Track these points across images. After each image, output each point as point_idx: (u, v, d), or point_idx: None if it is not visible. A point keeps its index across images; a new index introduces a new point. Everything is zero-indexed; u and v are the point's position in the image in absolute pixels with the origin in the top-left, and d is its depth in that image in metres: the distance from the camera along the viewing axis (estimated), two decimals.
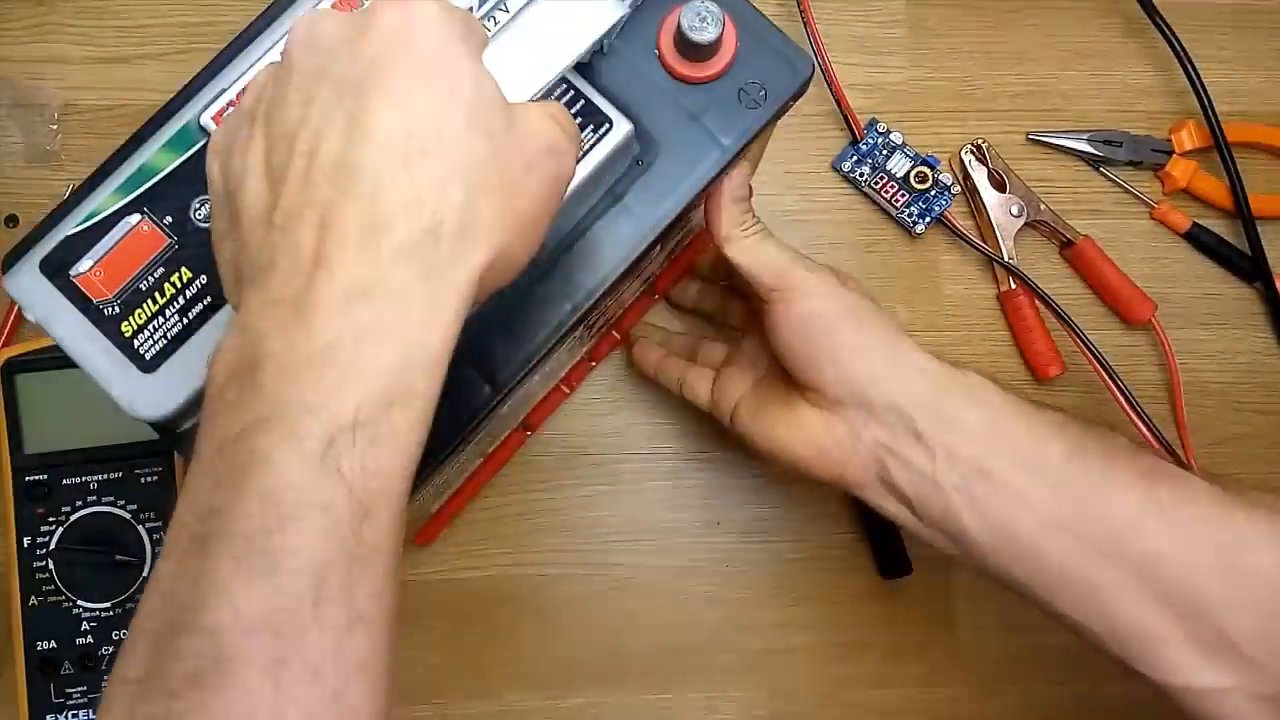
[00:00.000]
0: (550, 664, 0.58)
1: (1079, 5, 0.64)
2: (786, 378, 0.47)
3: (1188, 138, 0.62)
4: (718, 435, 0.60)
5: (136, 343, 0.39)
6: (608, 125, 0.41)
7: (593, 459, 0.60)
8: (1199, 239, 0.62)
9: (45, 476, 0.53)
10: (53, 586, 0.53)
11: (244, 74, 0.40)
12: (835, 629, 0.60)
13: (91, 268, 0.40)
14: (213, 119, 0.40)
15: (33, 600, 0.53)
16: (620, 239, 0.42)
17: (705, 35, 0.41)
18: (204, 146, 0.40)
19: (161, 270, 0.40)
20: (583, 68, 0.41)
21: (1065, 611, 0.42)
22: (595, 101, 0.41)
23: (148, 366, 0.39)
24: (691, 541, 0.60)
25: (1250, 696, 0.39)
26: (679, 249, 0.57)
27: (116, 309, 0.39)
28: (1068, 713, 0.60)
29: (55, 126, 0.59)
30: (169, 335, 0.39)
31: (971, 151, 0.61)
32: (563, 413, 0.60)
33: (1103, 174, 0.63)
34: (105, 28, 0.60)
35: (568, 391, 0.59)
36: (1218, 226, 0.63)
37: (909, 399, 0.43)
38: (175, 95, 0.41)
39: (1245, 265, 0.62)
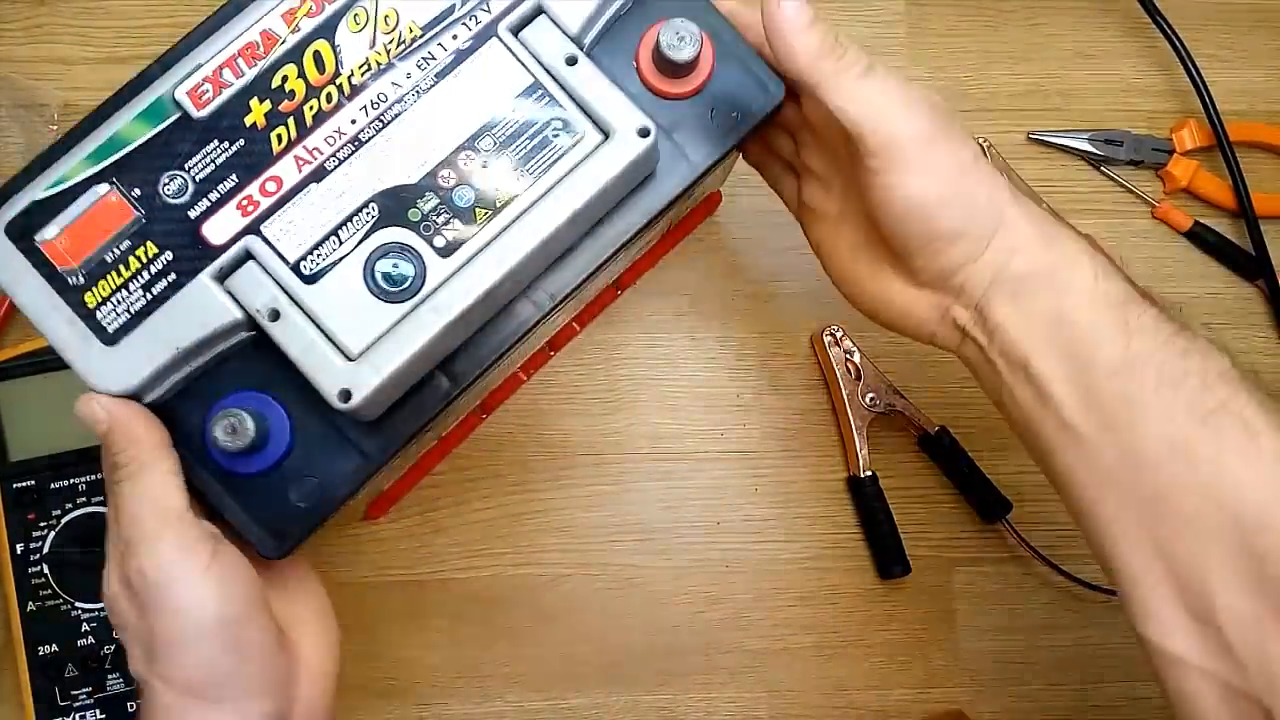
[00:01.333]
0: (550, 664, 0.56)
1: (1079, 5, 0.62)
2: (877, 234, 0.41)
3: (1189, 137, 0.60)
4: (717, 435, 0.58)
5: (99, 315, 0.38)
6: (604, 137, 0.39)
7: (593, 459, 0.58)
8: (1200, 238, 0.60)
9: (32, 482, 0.51)
10: (49, 590, 0.51)
11: (222, 50, 0.39)
12: (834, 629, 0.57)
13: (57, 235, 0.38)
14: (187, 94, 0.38)
15: (30, 606, 0.51)
16: (587, 248, 0.41)
17: (683, 54, 0.40)
18: (179, 120, 0.39)
19: (128, 243, 0.38)
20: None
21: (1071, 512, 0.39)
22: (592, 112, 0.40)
23: (110, 339, 0.38)
24: (691, 541, 0.58)
25: (1218, 683, 0.35)
26: (648, 246, 0.55)
27: (81, 279, 0.38)
28: (1067, 713, 0.58)
29: (55, 126, 0.57)
30: (132, 310, 0.38)
31: None
32: (563, 413, 0.58)
33: (1104, 173, 0.61)
34: (105, 28, 0.58)
35: (525, 378, 0.57)
36: (1219, 225, 0.61)
37: (987, 288, 0.39)
38: (151, 64, 0.39)
39: (1247, 264, 0.60)
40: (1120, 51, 0.62)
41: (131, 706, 0.51)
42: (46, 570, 0.51)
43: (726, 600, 0.57)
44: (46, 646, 0.51)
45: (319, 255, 0.38)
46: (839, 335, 0.58)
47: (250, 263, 0.38)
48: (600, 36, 0.42)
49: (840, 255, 0.44)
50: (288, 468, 0.40)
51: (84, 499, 0.51)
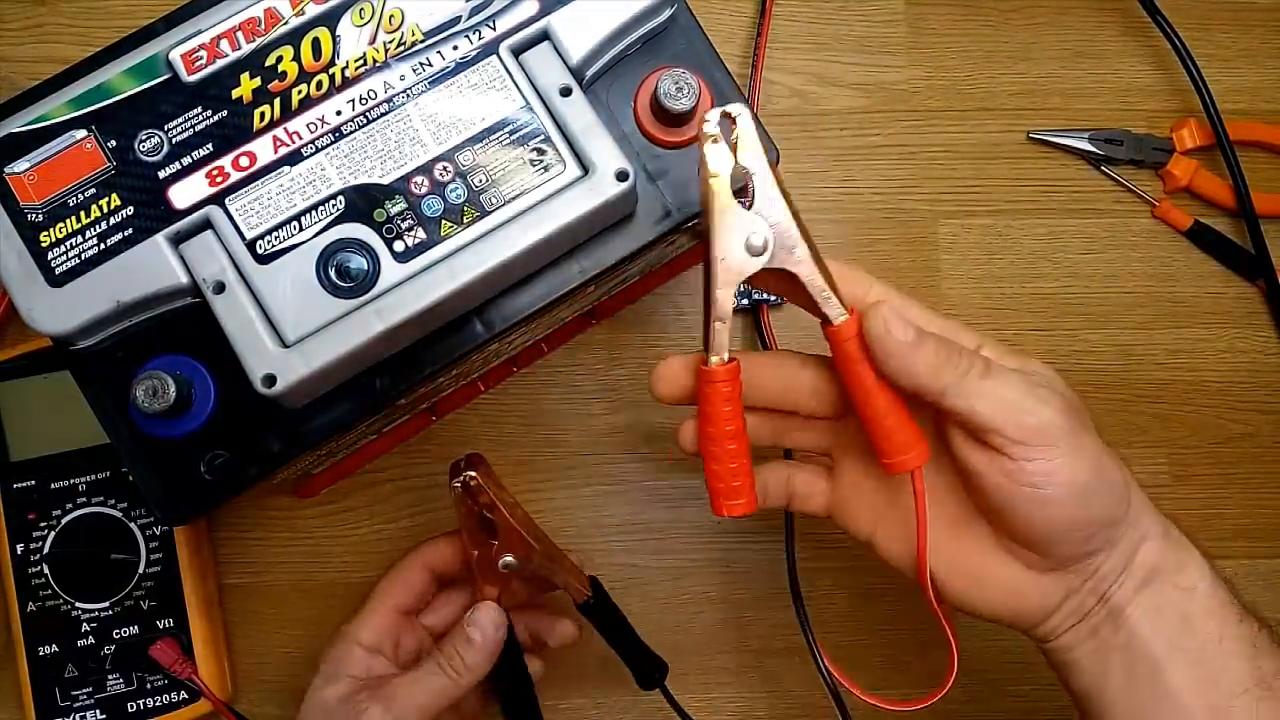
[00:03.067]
0: (550, 664, 0.56)
1: (1079, 4, 0.62)
2: (971, 521, 0.41)
3: (1189, 136, 0.60)
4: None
5: (50, 255, 0.38)
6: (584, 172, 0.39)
7: (593, 459, 0.57)
8: (1201, 237, 0.60)
9: (33, 482, 0.51)
10: (50, 591, 0.51)
11: (224, 20, 0.39)
12: (835, 629, 0.57)
13: (27, 171, 0.38)
14: (181, 57, 0.39)
15: (30, 606, 0.51)
16: (549, 278, 0.41)
17: (679, 104, 0.40)
18: (168, 81, 0.39)
19: (93, 191, 0.38)
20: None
21: None
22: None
23: (56, 281, 0.38)
24: (691, 541, 0.57)
25: None
26: (627, 283, 0.54)
27: (40, 217, 0.38)
28: (1067, 713, 0.58)
29: None
30: (83, 256, 0.38)
31: None
32: (563, 413, 0.57)
33: (1104, 173, 0.60)
34: (105, 28, 0.57)
35: (483, 389, 0.57)
36: (1219, 225, 0.60)
37: (1120, 576, 0.39)
38: (159, 19, 0.40)
39: (1247, 263, 0.59)
40: (1120, 51, 0.62)
41: (131, 707, 0.51)
42: (46, 570, 0.50)
43: (726, 600, 0.57)
44: (46, 646, 0.51)
45: (277, 237, 0.38)
46: (470, 481, 0.46)
47: (208, 232, 0.38)
48: (602, 72, 0.42)
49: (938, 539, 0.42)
50: (202, 439, 0.40)
51: (84, 499, 0.51)
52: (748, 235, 0.37)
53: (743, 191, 0.38)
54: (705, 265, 0.38)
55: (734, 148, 0.37)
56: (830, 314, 0.38)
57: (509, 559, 0.46)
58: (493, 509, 0.46)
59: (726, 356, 0.38)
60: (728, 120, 0.37)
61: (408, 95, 0.39)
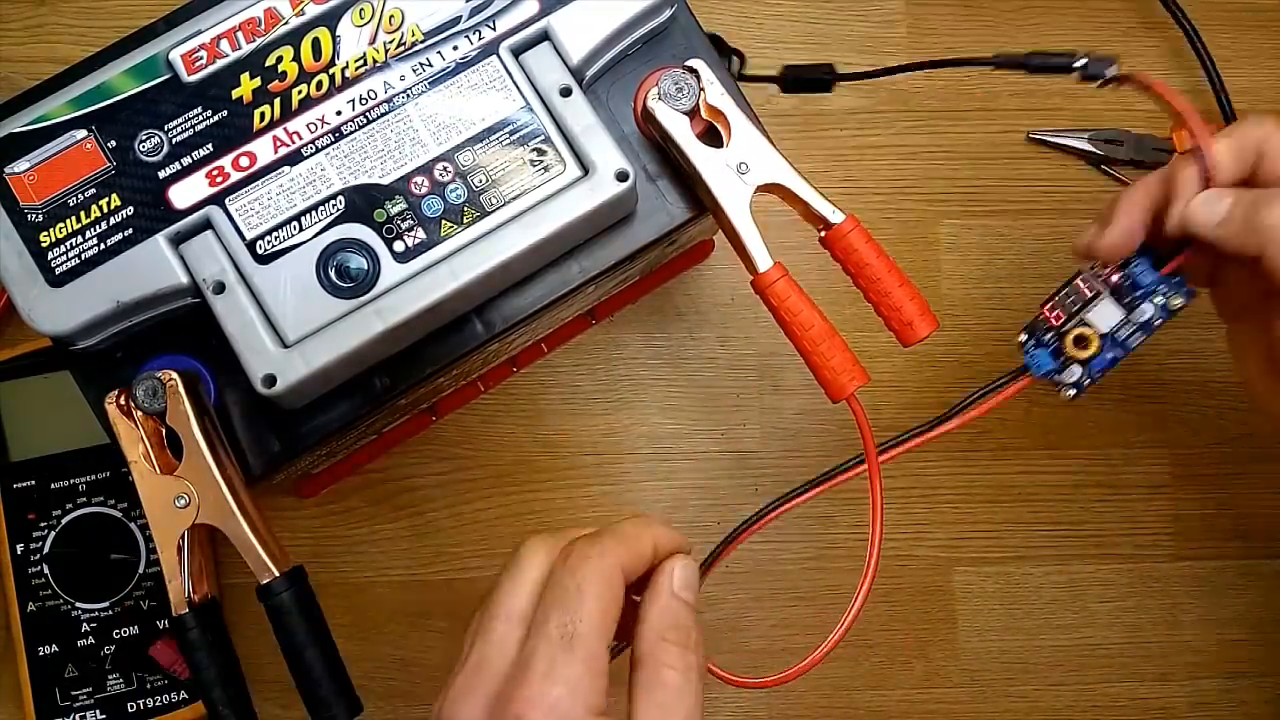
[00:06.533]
0: None
1: (1078, 5, 0.62)
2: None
3: (1189, 136, 0.60)
4: (717, 435, 0.58)
5: (50, 255, 0.38)
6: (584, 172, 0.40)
7: (593, 459, 0.57)
8: None
9: (33, 482, 0.51)
10: (50, 591, 0.51)
11: (224, 20, 0.39)
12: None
13: (27, 171, 0.39)
14: (181, 57, 0.39)
15: (30, 606, 0.51)
16: (549, 278, 0.41)
17: (679, 105, 0.40)
18: (168, 81, 0.39)
19: (93, 191, 0.39)
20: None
21: None
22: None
23: (56, 281, 0.38)
24: (691, 541, 0.57)
25: None
26: (627, 283, 0.54)
27: (40, 217, 0.38)
28: (1067, 713, 0.58)
29: None
30: (83, 256, 0.38)
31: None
32: (563, 413, 0.57)
33: (1104, 172, 0.60)
34: (105, 28, 0.57)
35: (483, 389, 0.57)
36: None
37: None
38: (159, 19, 0.40)
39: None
40: (1119, 51, 0.61)
41: (131, 707, 0.51)
42: (46, 570, 0.51)
43: (726, 600, 0.57)
44: (46, 646, 0.51)
45: (276, 237, 0.38)
46: (167, 382, 0.38)
47: (208, 232, 0.38)
48: (603, 72, 0.42)
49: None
50: None
51: (84, 499, 0.51)
52: (728, 163, 0.41)
53: (715, 134, 0.41)
54: (714, 209, 0.41)
55: (703, 97, 0.41)
56: (825, 213, 0.41)
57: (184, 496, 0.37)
58: (183, 426, 0.37)
59: (771, 260, 0.41)
60: (692, 75, 0.41)
61: (408, 95, 0.39)
